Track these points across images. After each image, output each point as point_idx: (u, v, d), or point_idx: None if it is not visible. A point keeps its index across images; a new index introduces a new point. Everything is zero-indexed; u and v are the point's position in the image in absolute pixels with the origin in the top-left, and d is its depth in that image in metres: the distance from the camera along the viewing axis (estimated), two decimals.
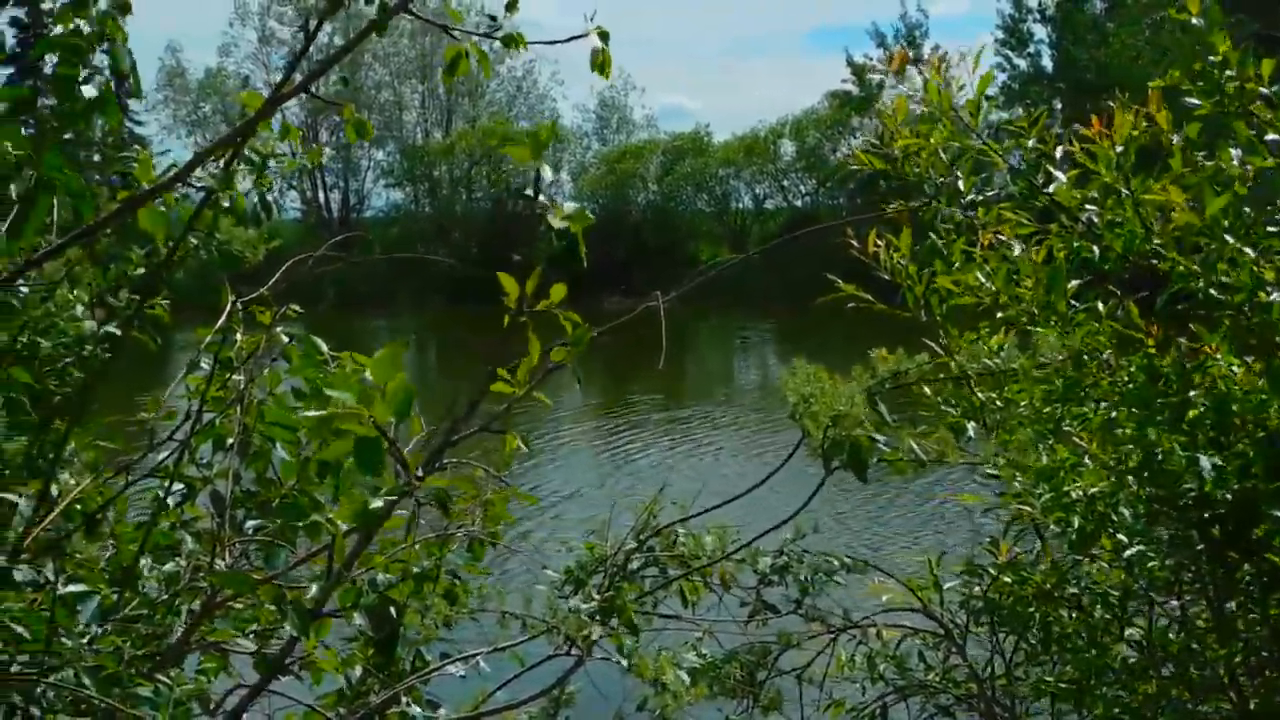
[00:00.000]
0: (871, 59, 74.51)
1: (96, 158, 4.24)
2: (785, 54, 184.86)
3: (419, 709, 4.80)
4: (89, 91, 3.76)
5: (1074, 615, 5.96)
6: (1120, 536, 5.34)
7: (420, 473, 3.58)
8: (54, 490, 4.29)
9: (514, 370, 3.92)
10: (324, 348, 4.43)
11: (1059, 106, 64.17)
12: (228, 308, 4.54)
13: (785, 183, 79.59)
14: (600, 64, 3.78)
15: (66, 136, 4.00)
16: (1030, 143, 5.45)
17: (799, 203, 78.70)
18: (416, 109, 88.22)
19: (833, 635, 6.65)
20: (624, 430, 32.06)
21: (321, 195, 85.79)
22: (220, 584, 3.87)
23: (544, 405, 4.03)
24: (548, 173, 3.71)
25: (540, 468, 26.30)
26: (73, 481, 4.41)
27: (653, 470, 26.42)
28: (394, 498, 3.53)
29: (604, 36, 3.73)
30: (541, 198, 3.62)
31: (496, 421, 3.92)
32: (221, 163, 4.01)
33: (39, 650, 3.83)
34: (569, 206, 3.64)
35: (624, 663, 4.96)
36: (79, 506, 4.54)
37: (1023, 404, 5.63)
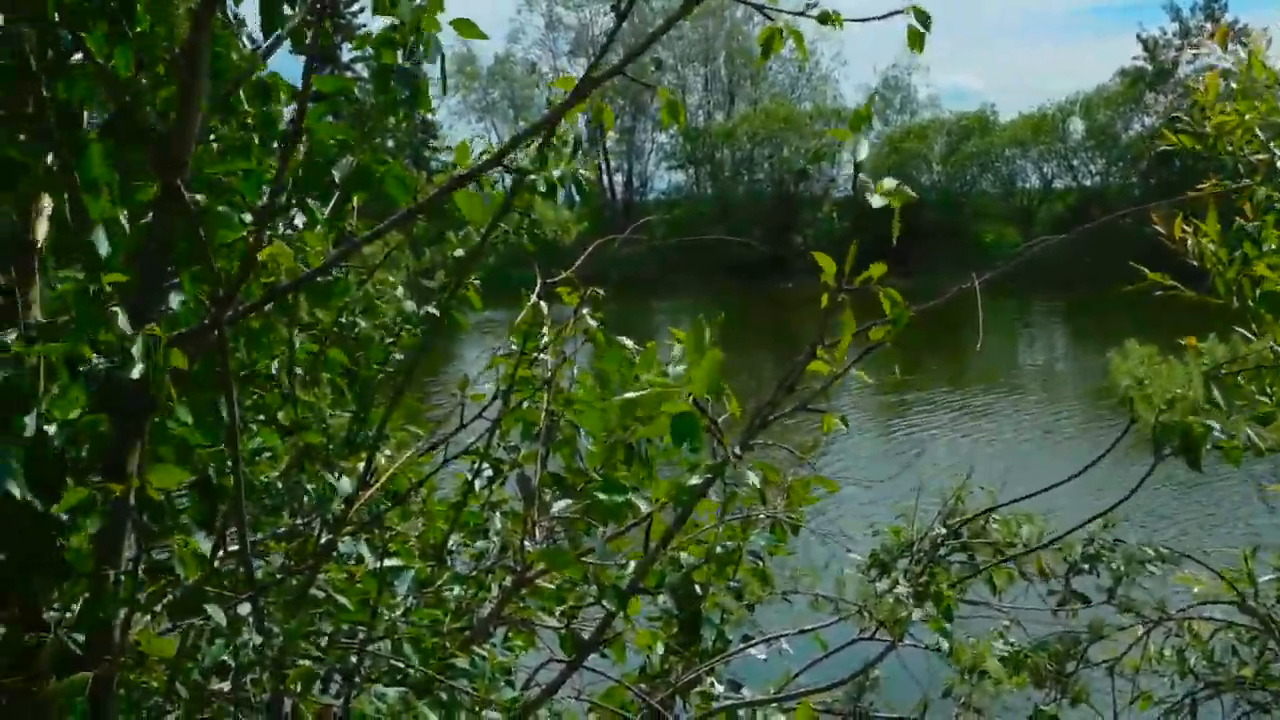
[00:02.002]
0: (1166, 33, 71.98)
1: (390, 143, 4.36)
2: (1073, 30, 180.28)
3: (722, 688, 4.81)
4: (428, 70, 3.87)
5: None
6: None
7: (738, 451, 3.57)
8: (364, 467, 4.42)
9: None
10: (627, 343, 4.48)
11: None
12: (536, 290, 4.60)
13: (1074, 162, 77.50)
14: (917, 41, 3.71)
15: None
16: None
17: (1088, 182, 76.54)
18: (699, 92, 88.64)
19: (1147, 627, 6.41)
20: (913, 413, 31.60)
21: (605, 178, 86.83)
22: (542, 561, 3.93)
23: (855, 384, 3.98)
24: (863, 151, 3.66)
25: (835, 450, 26.12)
26: (385, 459, 4.55)
27: (944, 452, 26.00)
28: (710, 476, 3.53)
29: (923, 18, 3.66)
30: (861, 176, 3.57)
31: (815, 400, 3.88)
32: (532, 147, 4.07)
33: (360, 621, 3.96)
34: (889, 182, 3.59)
35: (940, 648, 4.88)
36: (392, 484, 4.68)
37: None
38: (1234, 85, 5.45)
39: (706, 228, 71.59)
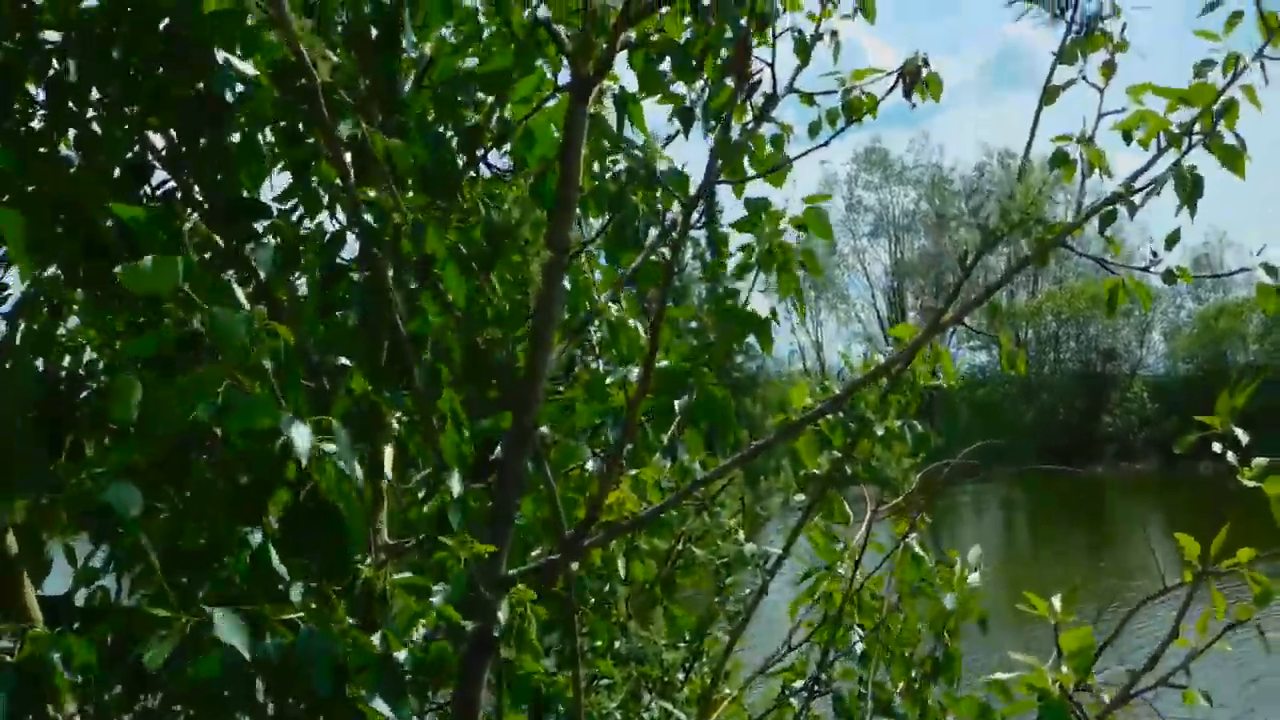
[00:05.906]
0: None
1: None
2: None
3: None
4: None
5: None
6: None
7: None
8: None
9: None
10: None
11: None
12: (868, 517, 4.61)
13: None
14: (1272, 300, 3.66)
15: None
16: None
17: None
18: (1001, 271, 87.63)
19: None
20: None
21: None
22: None
23: None
24: (1244, 438, 3.57)
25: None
26: (726, 690, 4.59)
27: None
28: None
29: (1273, 272, 3.61)
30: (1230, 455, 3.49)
31: (1181, 671, 3.77)
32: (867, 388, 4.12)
33: None
34: (1260, 462, 3.50)
35: None
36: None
37: None
38: None
39: (1011, 408, 70.38)
